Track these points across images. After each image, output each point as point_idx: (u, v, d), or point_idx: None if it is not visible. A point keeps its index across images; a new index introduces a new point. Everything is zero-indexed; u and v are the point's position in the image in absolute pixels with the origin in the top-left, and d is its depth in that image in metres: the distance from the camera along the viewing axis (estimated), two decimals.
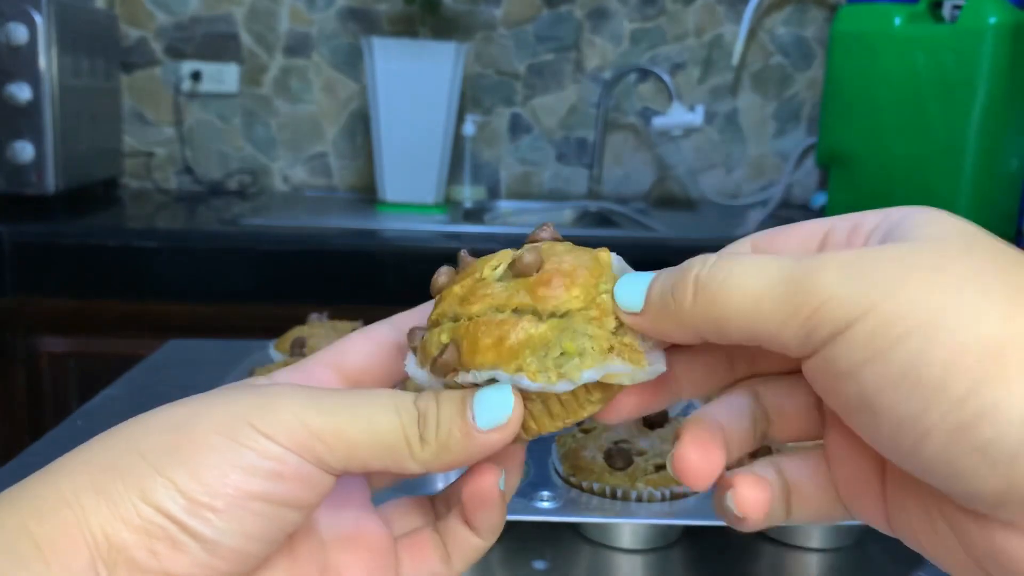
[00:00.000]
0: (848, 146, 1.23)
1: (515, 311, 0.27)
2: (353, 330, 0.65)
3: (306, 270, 1.11)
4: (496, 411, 0.26)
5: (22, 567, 0.23)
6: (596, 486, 0.47)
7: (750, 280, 0.23)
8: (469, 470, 0.28)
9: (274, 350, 0.65)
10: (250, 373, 0.55)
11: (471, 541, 0.29)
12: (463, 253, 0.31)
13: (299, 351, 0.61)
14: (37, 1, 1.13)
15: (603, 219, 1.47)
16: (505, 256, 0.29)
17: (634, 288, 0.27)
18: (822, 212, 1.37)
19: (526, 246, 0.28)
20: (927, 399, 0.20)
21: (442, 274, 0.31)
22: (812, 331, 0.22)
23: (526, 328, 0.26)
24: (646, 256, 1.12)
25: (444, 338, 0.27)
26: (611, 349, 0.26)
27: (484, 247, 1.24)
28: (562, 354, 0.26)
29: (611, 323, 0.26)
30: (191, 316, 1.10)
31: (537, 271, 0.27)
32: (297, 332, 0.65)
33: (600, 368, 0.26)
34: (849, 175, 1.24)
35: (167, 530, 0.24)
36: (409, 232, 1.18)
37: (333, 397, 0.26)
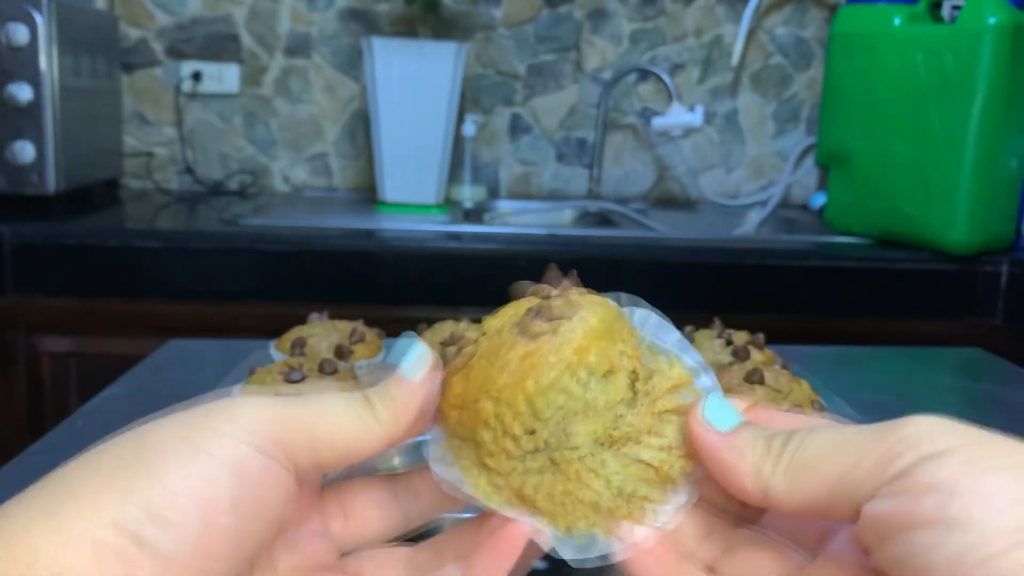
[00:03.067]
0: (847, 146, 1.23)
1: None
2: (353, 330, 0.65)
3: (306, 270, 1.11)
4: (413, 356, 0.28)
5: None
6: None
7: (836, 431, 0.24)
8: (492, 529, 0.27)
9: (274, 350, 0.65)
10: (250, 373, 0.55)
11: None
12: (523, 285, 0.30)
13: (299, 351, 0.62)
14: (38, 1, 1.13)
15: (603, 219, 1.47)
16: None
17: (725, 411, 0.27)
18: (821, 212, 1.37)
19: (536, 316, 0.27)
20: None
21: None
22: (896, 458, 0.22)
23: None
24: (646, 256, 1.13)
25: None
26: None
27: (484, 247, 1.24)
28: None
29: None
30: (191, 316, 1.10)
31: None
32: (297, 332, 0.65)
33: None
34: (848, 175, 1.24)
35: (120, 550, 0.22)
36: (409, 232, 1.18)
37: (285, 397, 0.27)
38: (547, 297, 0.28)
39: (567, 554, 0.26)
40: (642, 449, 0.26)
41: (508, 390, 0.26)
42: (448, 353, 0.28)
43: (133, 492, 0.23)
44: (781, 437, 0.25)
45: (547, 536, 0.26)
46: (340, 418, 0.27)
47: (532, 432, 0.26)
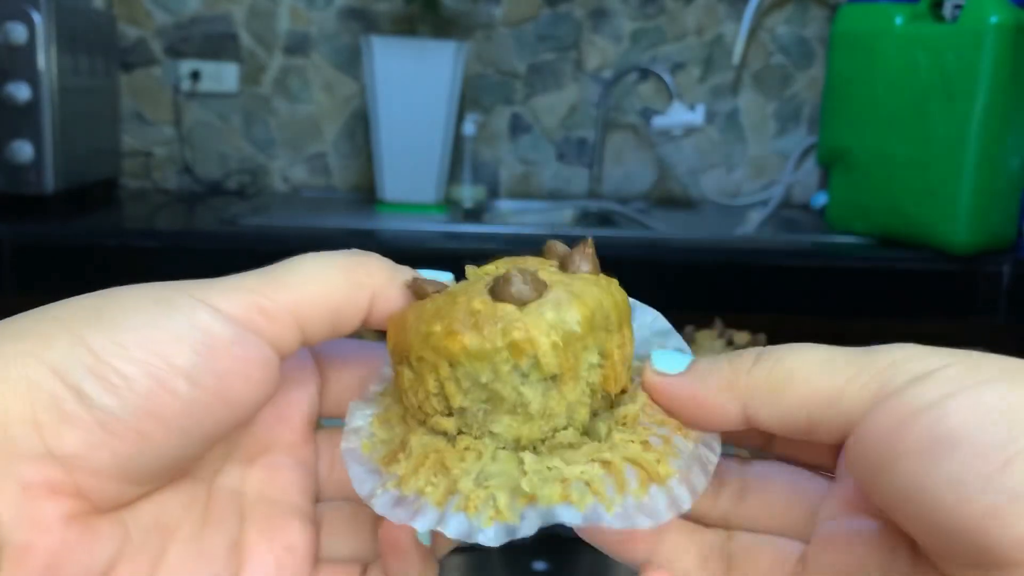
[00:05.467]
0: (849, 145, 1.23)
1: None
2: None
3: None
4: (436, 275, 0.27)
5: None
6: None
7: (818, 350, 0.23)
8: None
9: None
10: None
11: None
12: (552, 242, 0.27)
13: None
14: (36, 0, 1.13)
15: (603, 219, 1.47)
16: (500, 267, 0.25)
17: (675, 355, 0.25)
18: (823, 212, 1.37)
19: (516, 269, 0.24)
20: (1019, 425, 0.19)
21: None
22: (887, 381, 0.21)
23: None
24: (646, 256, 1.12)
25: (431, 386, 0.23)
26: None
27: (484, 247, 1.24)
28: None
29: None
30: None
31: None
32: None
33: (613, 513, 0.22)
34: (850, 174, 1.24)
35: (57, 398, 0.20)
36: (409, 232, 1.17)
37: (270, 266, 0.25)
38: (564, 260, 0.25)
39: (451, 531, 0.22)
40: (573, 468, 0.22)
41: (437, 338, 0.22)
42: None
43: (81, 341, 0.21)
44: (749, 355, 0.23)
45: (427, 519, 0.22)
46: (324, 274, 0.24)
47: (441, 394, 0.23)
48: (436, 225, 1.25)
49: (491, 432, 0.23)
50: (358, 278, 0.24)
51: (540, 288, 0.23)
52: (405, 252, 1.11)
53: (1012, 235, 1.16)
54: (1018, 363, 0.21)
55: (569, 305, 0.23)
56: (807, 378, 0.22)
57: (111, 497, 0.21)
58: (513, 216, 1.44)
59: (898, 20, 1.15)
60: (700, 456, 0.24)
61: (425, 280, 0.25)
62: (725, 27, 1.53)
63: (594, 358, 0.23)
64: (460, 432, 0.23)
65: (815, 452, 0.26)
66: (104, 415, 0.20)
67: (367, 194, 1.48)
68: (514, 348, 0.22)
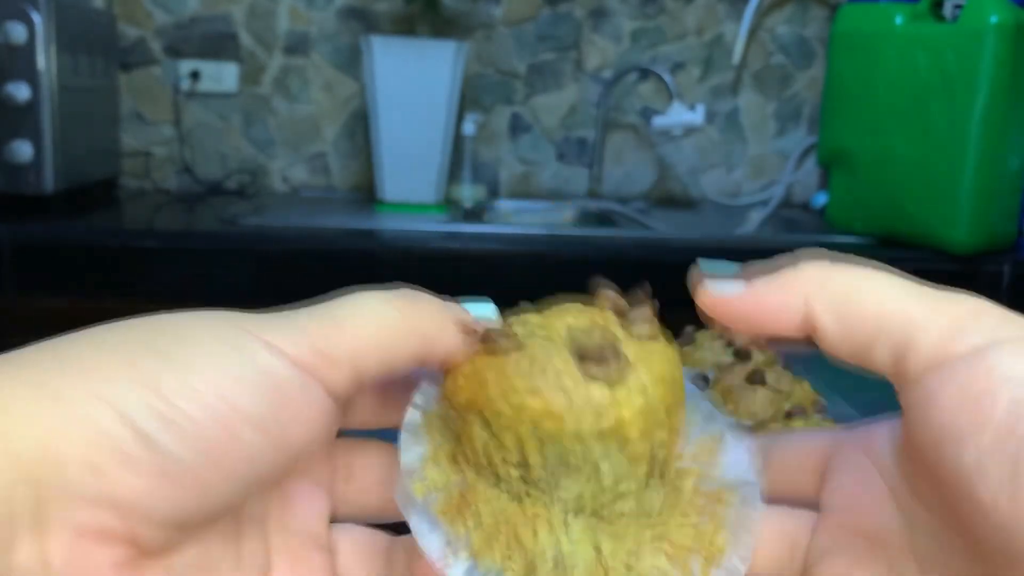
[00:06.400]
0: (849, 145, 1.23)
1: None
2: None
3: (306, 270, 1.11)
4: (484, 312, 0.25)
5: None
6: None
7: (894, 273, 0.23)
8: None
9: None
10: None
11: None
12: (605, 290, 0.26)
13: None
14: (36, 1, 1.13)
15: (603, 219, 1.47)
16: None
17: (723, 267, 0.24)
18: (823, 212, 1.37)
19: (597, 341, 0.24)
20: None
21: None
22: (965, 329, 0.20)
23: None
24: (646, 256, 1.12)
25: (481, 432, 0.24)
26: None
27: (484, 247, 1.23)
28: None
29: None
30: None
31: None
32: None
33: None
34: (850, 174, 1.24)
35: (120, 442, 0.18)
36: (409, 232, 1.17)
37: (321, 304, 0.23)
38: (621, 316, 0.25)
39: None
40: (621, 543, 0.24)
41: (530, 412, 0.23)
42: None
43: (144, 377, 0.19)
44: (816, 255, 0.23)
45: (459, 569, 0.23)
46: (380, 316, 0.23)
47: (524, 465, 0.23)
48: (436, 225, 1.25)
49: (559, 496, 0.23)
50: (413, 320, 0.23)
51: (626, 366, 0.23)
52: (405, 252, 1.12)
53: (1012, 235, 1.16)
54: None
55: (655, 388, 0.23)
56: (883, 293, 0.22)
57: (161, 543, 0.20)
58: (513, 216, 1.44)
59: (898, 20, 1.15)
60: (744, 517, 0.25)
61: (497, 332, 0.24)
62: (725, 27, 1.53)
63: (664, 435, 0.24)
64: (527, 493, 0.24)
65: (796, 488, 0.26)
66: (167, 461, 0.19)
67: (367, 194, 1.48)
68: (607, 433, 0.23)
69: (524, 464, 0.23)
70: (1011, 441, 0.18)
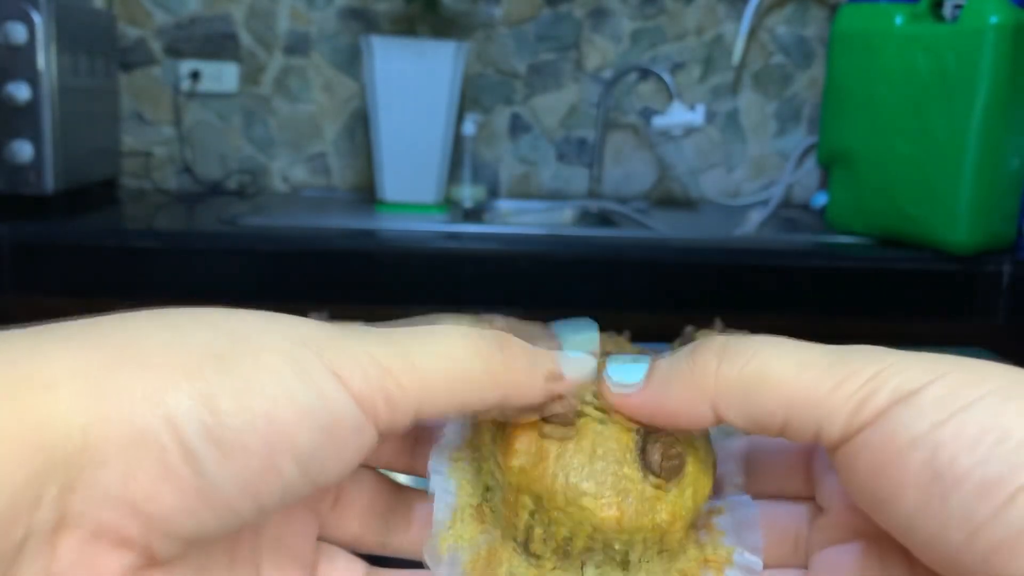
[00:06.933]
0: (849, 145, 1.23)
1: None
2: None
3: (306, 270, 1.11)
4: (579, 365, 0.23)
5: None
6: None
7: (791, 346, 0.22)
8: None
9: None
10: None
11: None
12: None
13: None
14: (36, 0, 1.13)
15: (603, 219, 1.47)
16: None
17: (630, 365, 0.23)
18: (823, 212, 1.37)
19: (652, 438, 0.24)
20: (1016, 455, 0.18)
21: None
22: (868, 398, 0.20)
23: None
24: (646, 256, 1.12)
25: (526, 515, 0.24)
26: None
27: (484, 247, 1.23)
28: None
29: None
30: None
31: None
32: None
33: None
34: (850, 175, 1.24)
35: (164, 453, 0.17)
36: (409, 232, 1.17)
37: (397, 331, 0.21)
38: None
39: None
40: None
41: (588, 514, 0.23)
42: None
43: (201, 388, 0.18)
44: (711, 351, 0.22)
45: None
46: (458, 358, 0.21)
47: (566, 546, 0.24)
48: (436, 225, 1.25)
49: (584, 566, 0.24)
50: (497, 374, 0.21)
51: (682, 465, 0.24)
52: (405, 252, 1.12)
53: (1012, 235, 1.16)
54: (1000, 370, 0.21)
55: (701, 483, 0.24)
56: (782, 380, 0.21)
57: (172, 554, 0.19)
58: (513, 216, 1.44)
59: (898, 20, 1.15)
60: (742, 517, 0.25)
61: (561, 418, 0.23)
62: (725, 27, 1.53)
63: (696, 536, 0.25)
64: (555, 566, 0.24)
65: (790, 484, 0.26)
66: (205, 482, 0.18)
67: (367, 194, 1.48)
68: (655, 528, 0.23)
69: (566, 545, 0.24)
70: (932, 503, 0.19)
